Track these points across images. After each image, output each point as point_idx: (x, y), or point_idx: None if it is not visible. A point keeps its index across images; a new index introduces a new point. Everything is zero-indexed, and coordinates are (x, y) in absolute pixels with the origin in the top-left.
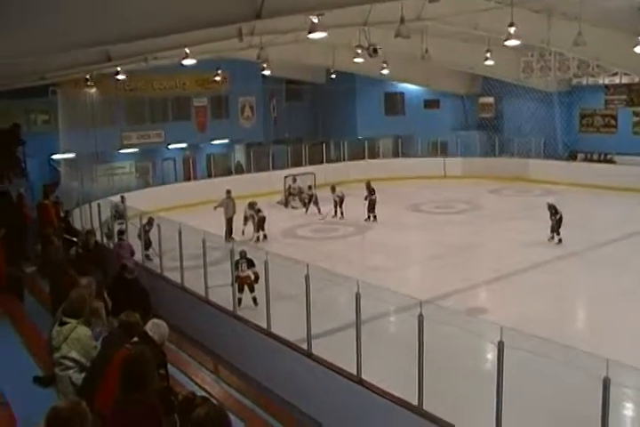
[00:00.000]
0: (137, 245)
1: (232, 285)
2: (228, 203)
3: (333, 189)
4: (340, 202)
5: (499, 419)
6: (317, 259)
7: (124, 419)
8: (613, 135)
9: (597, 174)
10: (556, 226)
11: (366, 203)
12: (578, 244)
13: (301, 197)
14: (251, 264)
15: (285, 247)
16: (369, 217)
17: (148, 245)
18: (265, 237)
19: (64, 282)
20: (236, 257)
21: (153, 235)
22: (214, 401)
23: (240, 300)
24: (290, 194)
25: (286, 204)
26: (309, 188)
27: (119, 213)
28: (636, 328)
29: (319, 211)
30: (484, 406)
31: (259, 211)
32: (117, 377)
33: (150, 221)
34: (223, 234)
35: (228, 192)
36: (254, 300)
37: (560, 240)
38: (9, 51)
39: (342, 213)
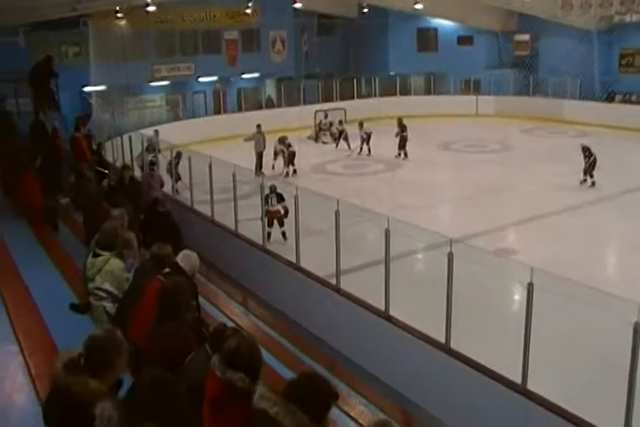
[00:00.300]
0: (167, 179)
1: (262, 219)
2: (259, 137)
3: (361, 126)
4: (367, 139)
5: (526, 360)
6: (347, 195)
7: (157, 348)
8: None
9: (635, 116)
10: (590, 169)
11: (397, 139)
12: (611, 188)
13: (332, 131)
14: (280, 199)
15: (315, 182)
16: (399, 154)
17: (177, 178)
18: (295, 171)
19: (97, 214)
20: (266, 191)
21: (182, 168)
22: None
23: (269, 234)
24: (320, 129)
25: (316, 139)
26: (340, 122)
27: (152, 147)
28: None
29: (349, 146)
30: (512, 346)
31: (289, 146)
32: (149, 307)
33: (179, 155)
34: (253, 168)
35: (259, 126)
36: (283, 234)
37: (593, 183)
38: None
39: (369, 150)
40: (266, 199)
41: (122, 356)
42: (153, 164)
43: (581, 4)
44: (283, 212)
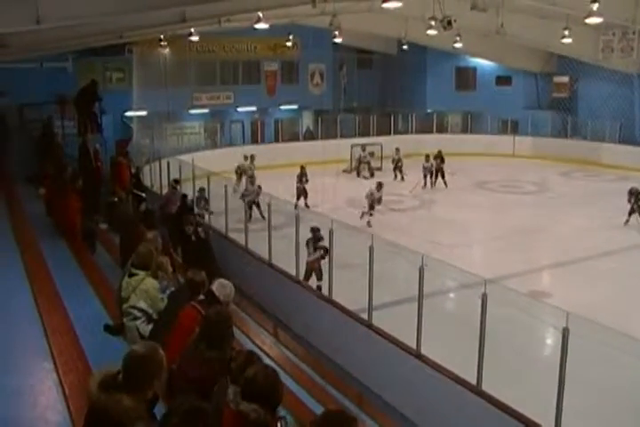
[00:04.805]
0: None
1: (296, 248)
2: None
3: (427, 159)
4: (436, 172)
5: (559, 407)
6: (381, 230)
7: (197, 374)
8: None
9: None
10: (635, 212)
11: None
12: None
13: (370, 166)
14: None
15: (349, 217)
16: (432, 184)
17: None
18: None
19: (133, 237)
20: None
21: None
22: (273, 364)
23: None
24: (360, 163)
25: (358, 173)
26: (397, 150)
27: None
28: None
29: (402, 178)
30: (545, 391)
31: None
32: (183, 333)
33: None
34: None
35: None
36: (319, 288)
37: None
38: (92, 10)
39: (432, 184)
40: (310, 244)
41: (162, 374)
42: (177, 182)
43: (622, 48)
44: (323, 253)
